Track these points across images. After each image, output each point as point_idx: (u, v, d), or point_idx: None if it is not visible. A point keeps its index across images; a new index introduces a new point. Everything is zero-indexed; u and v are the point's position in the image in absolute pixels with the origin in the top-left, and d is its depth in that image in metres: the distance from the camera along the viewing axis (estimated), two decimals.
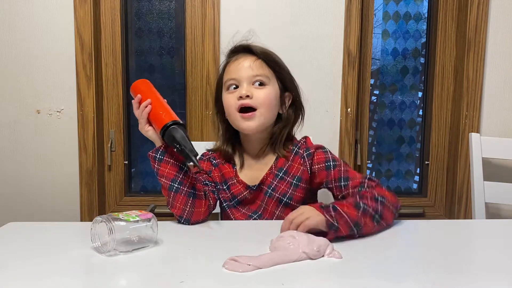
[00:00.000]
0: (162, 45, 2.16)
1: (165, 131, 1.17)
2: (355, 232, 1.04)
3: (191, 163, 1.17)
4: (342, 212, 1.04)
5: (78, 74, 2.09)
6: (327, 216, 1.02)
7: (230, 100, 1.29)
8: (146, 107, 1.21)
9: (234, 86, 1.30)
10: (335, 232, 1.02)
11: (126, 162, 2.19)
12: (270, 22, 2.07)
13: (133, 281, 0.83)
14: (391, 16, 2.16)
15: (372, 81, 2.16)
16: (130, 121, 2.20)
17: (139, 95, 1.24)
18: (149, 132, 1.23)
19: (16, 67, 2.11)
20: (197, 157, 1.17)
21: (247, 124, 1.28)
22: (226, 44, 1.40)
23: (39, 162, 2.15)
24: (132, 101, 1.27)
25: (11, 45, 2.10)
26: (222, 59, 2.00)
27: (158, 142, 1.23)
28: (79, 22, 2.07)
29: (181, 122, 1.18)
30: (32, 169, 2.15)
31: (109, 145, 2.17)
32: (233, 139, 1.38)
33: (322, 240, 0.94)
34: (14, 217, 2.14)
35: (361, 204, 1.10)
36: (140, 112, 1.23)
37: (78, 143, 2.12)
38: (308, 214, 1.04)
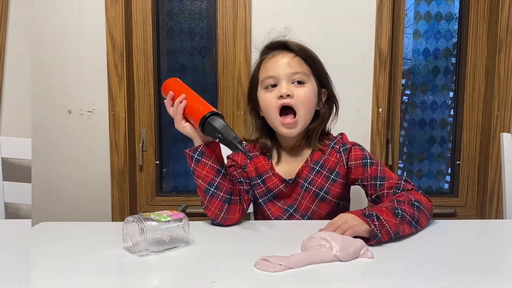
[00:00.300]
0: (194, 45, 2.16)
1: (204, 123, 1.15)
2: (393, 238, 1.04)
3: (239, 150, 1.14)
4: (384, 221, 1.02)
5: (110, 74, 2.09)
6: (372, 226, 1.01)
7: (270, 99, 1.28)
8: (181, 102, 1.19)
9: (272, 84, 1.29)
10: (377, 241, 1.01)
11: (158, 162, 2.18)
12: (301, 22, 2.07)
13: (165, 281, 0.82)
14: (422, 16, 2.16)
15: (403, 81, 2.16)
16: (161, 121, 2.20)
17: (171, 93, 1.24)
18: (186, 128, 1.21)
19: (48, 67, 2.11)
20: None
21: (289, 132, 1.29)
22: (259, 42, 1.40)
23: (70, 162, 2.14)
24: (164, 100, 1.26)
25: (43, 45, 2.10)
26: (254, 59, 2.01)
27: (196, 139, 1.21)
28: (110, 22, 2.07)
29: (219, 112, 1.17)
30: (64, 169, 2.14)
31: (141, 145, 2.17)
32: (269, 133, 1.38)
33: (358, 243, 0.94)
34: (46, 217, 2.13)
35: (400, 211, 1.09)
36: (175, 109, 1.21)
37: (109, 143, 2.12)
38: (354, 221, 1.02)
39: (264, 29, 1.82)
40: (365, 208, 1.13)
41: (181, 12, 2.15)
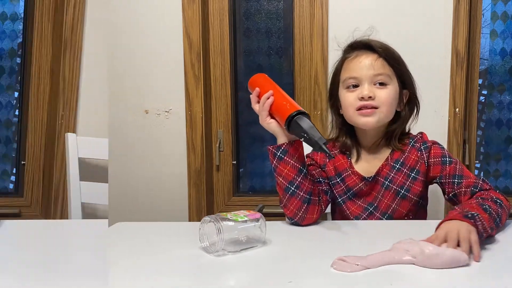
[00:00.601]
0: (271, 45, 2.16)
1: (290, 122, 1.14)
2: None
3: (323, 152, 1.14)
4: (484, 222, 1.00)
5: (187, 74, 2.08)
6: (480, 229, 0.96)
7: (350, 99, 1.28)
8: (268, 98, 1.19)
9: (354, 84, 1.29)
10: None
11: (235, 162, 2.16)
12: (378, 21, 2.05)
13: (241, 281, 0.83)
14: (499, 16, 2.16)
15: (480, 81, 2.15)
16: (238, 121, 2.19)
17: (257, 89, 1.24)
18: (272, 124, 1.21)
19: (125, 68, 2.10)
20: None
21: (366, 120, 1.28)
22: (342, 41, 1.40)
23: (147, 163, 2.12)
24: (251, 95, 1.26)
25: (120, 46, 2.08)
26: (331, 59, 2.01)
27: (280, 137, 1.22)
28: (187, 22, 2.07)
29: (305, 111, 1.17)
30: (141, 169, 2.13)
31: (217, 145, 2.16)
32: (349, 131, 1.37)
33: (459, 256, 0.87)
34: (122, 217, 2.12)
35: (487, 207, 1.06)
36: (262, 105, 1.21)
37: (186, 143, 2.11)
38: (465, 228, 0.93)
39: (340, 28, 1.83)
40: (456, 208, 1.10)
41: (258, 12, 2.15)
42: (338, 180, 1.33)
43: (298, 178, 1.18)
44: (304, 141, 1.13)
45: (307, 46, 2.13)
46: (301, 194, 1.18)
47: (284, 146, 1.19)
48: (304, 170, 1.20)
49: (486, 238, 0.99)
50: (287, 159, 1.18)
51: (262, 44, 2.15)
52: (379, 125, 1.29)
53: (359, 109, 1.26)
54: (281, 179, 1.19)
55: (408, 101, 1.34)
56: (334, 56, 1.40)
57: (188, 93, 2.09)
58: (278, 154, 1.19)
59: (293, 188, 1.17)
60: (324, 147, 1.09)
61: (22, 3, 2.11)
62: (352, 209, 1.31)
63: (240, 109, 2.13)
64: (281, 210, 1.26)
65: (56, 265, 0.89)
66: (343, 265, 0.82)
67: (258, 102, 1.24)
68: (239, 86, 2.16)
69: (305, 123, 1.12)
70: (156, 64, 2.10)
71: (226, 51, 2.14)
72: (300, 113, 1.15)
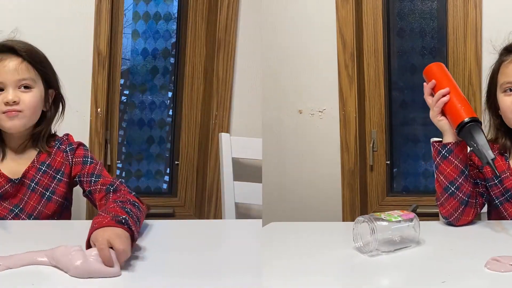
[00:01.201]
0: (424, 45, 2.16)
1: (462, 127, 1.13)
2: None
3: (490, 167, 1.12)
4: (131, 225, 0.97)
5: (340, 74, 2.08)
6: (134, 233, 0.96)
7: (508, 104, 1.26)
8: (443, 96, 1.17)
9: (510, 88, 1.26)
10: None
11: (388, 162, 2.15)
12: None
13: (395, 281, 0.83)
14: (141, 16, 2.15)
15: (122, 81, 2.13)
16: (392, 121, 2.18)
17: (433, 81, 1.21)
18: (442, 122, 1.20)
19: (280, 68, 2.07)
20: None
21: None
22: (498, 44, 1.36)
23: (301, 162, 2.08)
24: (424, 84, 1.24)
25: (275, 46, 2.06)
26: (484, 59, 1.99)
27: (448, 135, 1.20)
28: (341, 22, 2.07)
29: (479, 119, 1.14)
30: (294, 169, 2.09)
31: (371, 145, 2.15)
32: (507, 132, 1.34)
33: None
34: (276, 217, 2.10)
35: (130, 211, 1.04)
36: (435, 100, 1.19)
37: (340, 143, 2.10)
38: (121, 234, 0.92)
39: (495, 29, 1.79)
40: (101, 213, 1.03)
41: (412, 12, 2.15)
42: (496, 181, 1.29)
43: (459, 179, 1.17)
44: (473, 150, 1.12)
45: (461, 46, 2.12)
46: (460, 195, 1.17)
47: (450, 145, 1.18)
48: (466, 172, 1.19)
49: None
50: (451, 158, 1.17)
51: (415, 44, 2.15)
52: None
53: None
54: (442, 177, 1.19)
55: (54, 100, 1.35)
56: (488, 57, 1.38)
57: (342, 93, 2.09)
58: (443, 152, 1.18)
59: (452, 189, 1.17)
60: (492, 163, 1.08)
61: (175, 3, 2.12)
62: (510, 210, 1.28)
63: (394, 109, 2.13)
64: (436, 210, 1.26)
65: (209, 265, 0.91)
66: (497, 265, 0.81)
67: (431, 94, 1.22)
68: (393, 86, 2.18)
69: (478, 135, 1.11)
70: (310, 64, 2.10)
71: (380, 51, 2.15)
72: (473, 120, 1.13)
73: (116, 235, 0.88)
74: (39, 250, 0.84)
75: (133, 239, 0.92)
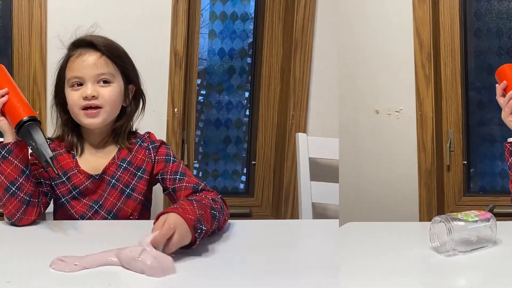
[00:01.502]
0: (501, 45, 2.15)
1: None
2: None
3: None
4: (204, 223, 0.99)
5: (417, 74, 2.08)
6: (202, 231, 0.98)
7: (75, 98, 1.24)
8: (2, 96, 1.12)
9: (77, 83, 1.24)
10: None
11: (465, 162, 2.13)
12: None
13: (472, 281, 0.83)
14: (218, 16, 2.15)
15: (198, 81, 2.13)
16: (469, 121, 2.18)
17: (505, 82, 1.23)
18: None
19: (356, 68, 2.08)
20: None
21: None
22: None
23: (377, 162, 2.08)
24: (496, 85, 1.25)
25: (352, 46, 2.06)
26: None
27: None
28: (418, 21, 2.07)
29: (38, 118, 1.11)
30: (371, 169, 2.09)
31: (448, 145, 2.15)
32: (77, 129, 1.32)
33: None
34: (353, 216, 2.12)
35: (212, 210, 1.05)
36: (507, 101, 1.22)
37: (416, 143, 2.10)
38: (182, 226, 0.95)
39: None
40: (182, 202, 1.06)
41: (489, 12, 2.14)
42: (64, 179, 1.27)
43: (20, 179, 1.13)
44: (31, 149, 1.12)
45: None
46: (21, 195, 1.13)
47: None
48: (27, 172, 1.15)
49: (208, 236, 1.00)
50: None
51: (492, 44, 2.15)
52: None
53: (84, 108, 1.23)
54: None
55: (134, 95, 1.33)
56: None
57: (419, 93, 2.09)
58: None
59: (13, 189, 1.13)
60: (50, 162, 1.09)
61: (252, 3, 2.13)
62: (77, 208, 1.27)
63: (471, 109, 2.12)
64: None
65: (286, 265, 0.91)
66: None
67: (503, 95, 1.23)
68: (470, 86, 2.18)
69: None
70: (387, 64, 2.11)
71: (457, 51, 2.14)
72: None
73: (182, 237, 0.91)
74: (111, 249, 0.85)
75: (186, 247, 0.94)
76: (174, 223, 0.90)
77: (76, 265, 0.81)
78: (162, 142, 1.32)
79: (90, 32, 1.30)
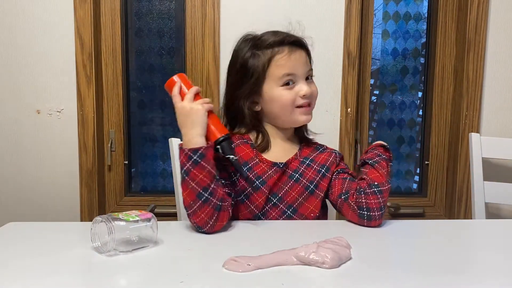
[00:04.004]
0: (162, 45, 2.13)
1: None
2: None
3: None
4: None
5: (78, 74, 2.00)
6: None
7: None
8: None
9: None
10: None
11: (126, 162, 2.15)
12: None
13: (133, 281, 0.79)
14: (391, 16, 2.12)
15: (372, 81, 2.08)
16: (130, 121, 2.14)
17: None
18: None
19: (16, 67, 1.99)
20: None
21: None
22: None
23: (39, 162, 2.04)
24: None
25: (11, 45, 1.98)
26: None
27: None
28: (79, 22, 2.03)
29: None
30: (32, 169, 2.04)
31: (109, 145, 2.14)
32: None
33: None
34: (14, 217, 2.02)
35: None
36: None
37: (78, 143, 2.04)
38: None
39: None
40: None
41: (150, 12, 2.11)
42: (257, 183, 1.24)
43: (212, 184, 1.11)
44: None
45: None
46: None
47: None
48: (217, 176, 1.15)
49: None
50: None
51: (154, 44, 2.13)
52: None
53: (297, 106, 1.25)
54: None
55: None
56: None
57: (80, 93, 2.03)
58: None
59: (206, 195, 1.10)
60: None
61: (425, 3, 2.09)
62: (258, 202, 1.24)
63: (132, 109, 2.13)
64: (173, 210, 1.36)
65: (456, 264, 0.89)
66: (234, 265, 0.81)
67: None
68: (131, 86, 2.14)
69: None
70: (48, 64, 2.01)
71: (118, 51, 2.12)
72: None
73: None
74: (286, 249, 0.86)
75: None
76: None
77: (249, 265, 0.81)
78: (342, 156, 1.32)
79: (288, 29, 1.26)
